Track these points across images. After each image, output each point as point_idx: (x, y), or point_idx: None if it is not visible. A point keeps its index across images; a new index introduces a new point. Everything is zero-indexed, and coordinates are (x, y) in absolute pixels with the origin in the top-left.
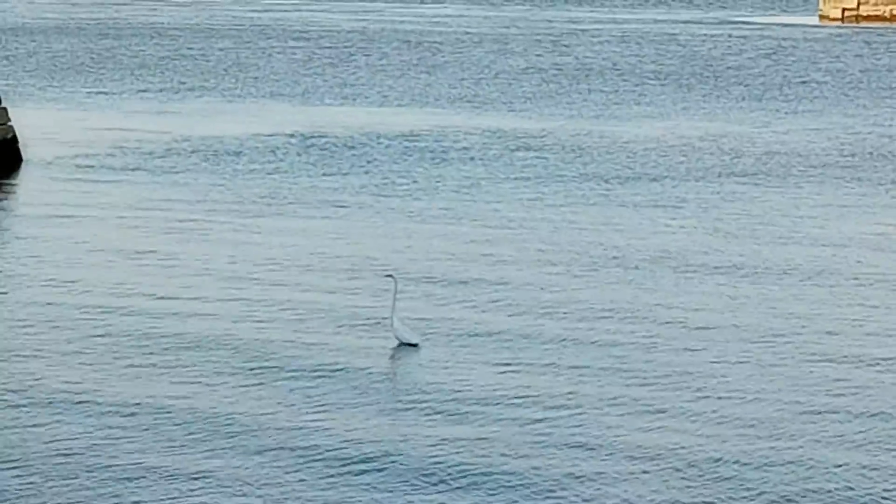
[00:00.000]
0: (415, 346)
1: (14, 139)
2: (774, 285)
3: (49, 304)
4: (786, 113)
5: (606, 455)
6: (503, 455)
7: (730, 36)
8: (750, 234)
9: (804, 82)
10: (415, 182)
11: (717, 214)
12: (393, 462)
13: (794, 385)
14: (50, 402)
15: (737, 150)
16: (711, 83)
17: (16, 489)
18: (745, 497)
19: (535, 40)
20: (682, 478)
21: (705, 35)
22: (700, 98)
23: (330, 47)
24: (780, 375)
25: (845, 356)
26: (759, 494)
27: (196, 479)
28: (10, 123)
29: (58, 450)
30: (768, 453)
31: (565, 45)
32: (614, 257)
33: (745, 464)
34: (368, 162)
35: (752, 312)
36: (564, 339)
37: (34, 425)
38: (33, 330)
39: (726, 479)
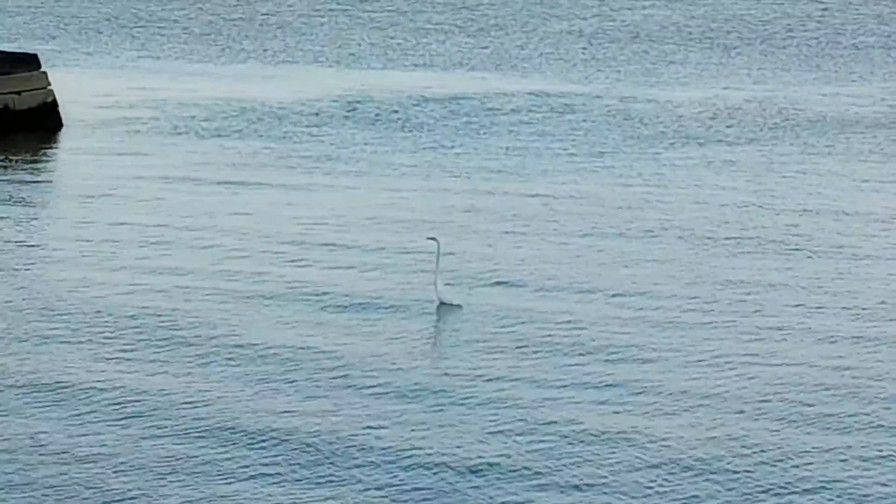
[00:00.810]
0: (458, 307)
1: (54, 102)
2: (822, 255)
3: (90, 272)
4: (834, 76)
5: (642, 434)
6: (545, 429)
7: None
8: (797, 199)
9: (852, 45)
10: (461, 146)
11: (767, 179)
12: (433, 423)
13: (844, 366)
14: (86, 388)
15: (785, 114)
16: (759, 46)
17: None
18: (814, 486)
19: (581, 3)
20: (727, 465)
21: None
22: (748, 61)
23: (374, 11)
24: (829, 355)
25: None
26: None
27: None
28: (49, 87)
29: (97, 442)
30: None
31: (610, 8)
32: (662, 223)
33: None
34: (414, 126)
35: (799, 285)
36: (609, 309)
37: (69, 408)
38: (73, 301)
39: (792, 464)
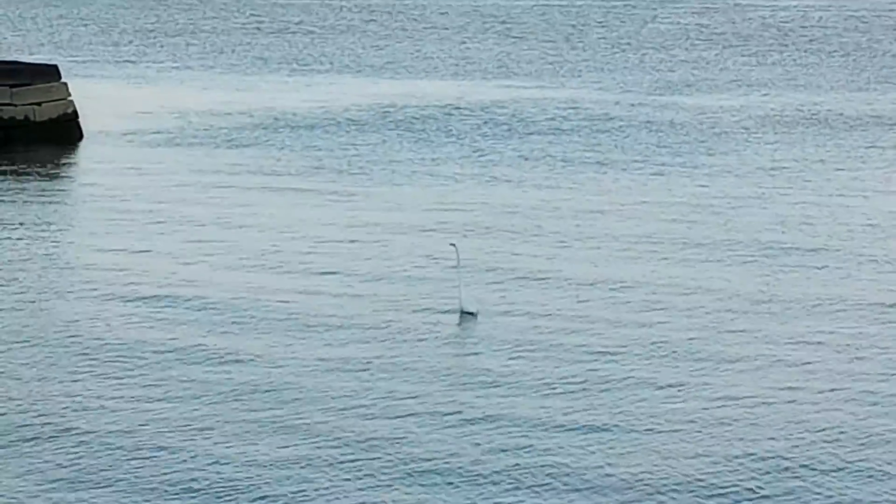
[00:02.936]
0: (473, 315)
1: (74, 114)
2: (876, 262)
3: (110, 285)
4: (876, 81)
5: (668, 431)
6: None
7: (814, 6)
8: (846, 205)
9: (888, 52)
10: (494, 154)
11: (809, 184)
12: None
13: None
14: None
15: (827, 119)
16: (797, 51)
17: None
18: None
19: (615, 10)
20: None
21: (789, 3)
22: (787, 66)
23: (407, 20)
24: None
25: None
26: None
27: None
28: (70, 98)
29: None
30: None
31: (645, 15)
32: (699, 232)
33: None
34: (448, 134)
35: (852, 293)
36: (633, 318)
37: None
38: (96, 308)
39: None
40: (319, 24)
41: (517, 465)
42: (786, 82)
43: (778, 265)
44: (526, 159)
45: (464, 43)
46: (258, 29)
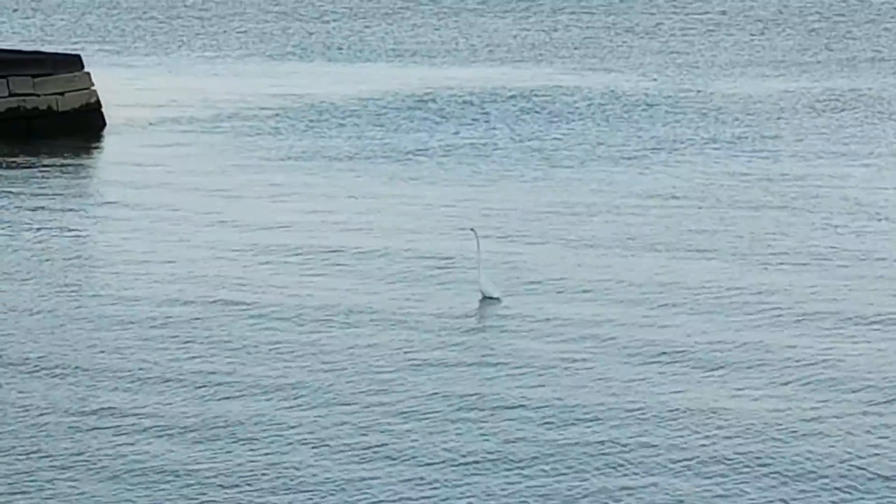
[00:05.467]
0: (496, 300)
1: (98, 103)
2: None
3: (134, 277)
4: None
5: (689, 420)
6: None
7: None
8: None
9: None
10: (534, 140)
11: (857, 174)
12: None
13: None
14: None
15: (873, 107)
16: (843, 36)
17: None
18: None
19: None
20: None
21: None
22: (834, 51)
23: (437, 8)
24: None
25: None
26: None
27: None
28: (93, 88)
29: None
30: None
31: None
32: (736, 223)
33: None
34: (486, 120)
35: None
36: (659, 315)
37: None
38: (121, 302)
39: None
40: (355, 9)
41: (542, 448)
42: (834, 65)
43: (843, 250)
44: (568, 146)
45: (503, 28)
46: (291, 16)
